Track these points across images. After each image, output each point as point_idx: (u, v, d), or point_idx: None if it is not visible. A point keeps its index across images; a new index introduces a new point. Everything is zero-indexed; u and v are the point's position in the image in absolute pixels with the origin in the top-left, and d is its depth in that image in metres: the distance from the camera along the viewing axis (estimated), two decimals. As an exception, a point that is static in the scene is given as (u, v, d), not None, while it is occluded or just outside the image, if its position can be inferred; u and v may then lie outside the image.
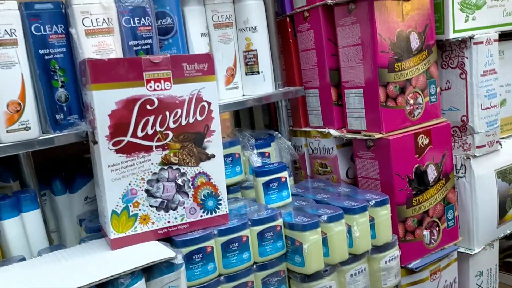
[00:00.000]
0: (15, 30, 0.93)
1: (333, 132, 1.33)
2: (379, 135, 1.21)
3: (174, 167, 0.96)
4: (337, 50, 1.29)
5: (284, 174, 1.17)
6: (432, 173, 1.27)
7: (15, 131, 0.94)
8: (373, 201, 1.15)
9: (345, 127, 1.33)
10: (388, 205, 1.16)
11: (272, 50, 1.35)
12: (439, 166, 1.29)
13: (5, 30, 0.92)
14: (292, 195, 1.22)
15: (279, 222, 1.06)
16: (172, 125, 0.95)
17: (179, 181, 0.97)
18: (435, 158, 1.28)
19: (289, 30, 1.40)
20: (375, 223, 1.15)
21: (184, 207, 0.98)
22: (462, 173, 1.36)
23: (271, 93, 1.33)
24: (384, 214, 1.16)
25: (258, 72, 1.31)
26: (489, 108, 1.35)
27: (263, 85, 1.33)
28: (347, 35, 1.25)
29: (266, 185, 1.16)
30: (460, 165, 1.36)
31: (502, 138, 1.45)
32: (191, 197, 0.99)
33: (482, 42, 1.32)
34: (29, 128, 0.96)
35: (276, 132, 1.37)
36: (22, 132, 0.95)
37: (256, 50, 1.31)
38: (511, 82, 1.50)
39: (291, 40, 1.40)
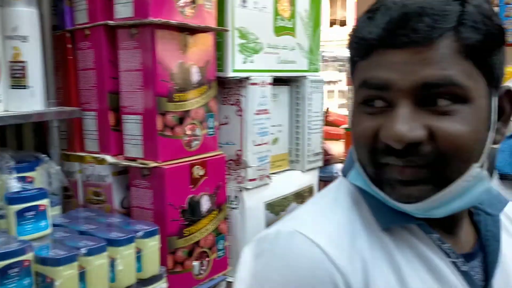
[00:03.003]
0: None
1: (109, 158, 1.25)
2: (155, 164, 1.19)
3: None
4: (118, 73, 1.24)
5: (44, 202, 1.05)
6: (205, 204, 1.30)
7: None
8: (142, 232, 1.10)
9: (122, 154, 1.27)
10: (158, 236, 1.14)
11: (46, 65, 1.23)
12: (213, 197, 1.33)
13: None
14: (56, 225, 1.10)
15: (28, 256, 0.93)
16: None
17: None
18: (210, 189, 1.31)
19: (69, 46, 1.29)
20: (142, 255, 1.10)
21: None
22: (235, 204, 1.43)
23: (41, 111, 1.20)
24: (152, 245, 1.12)
25: (26, 87, 1.17)
26: (261, 144, 1.46)
27: (31, 101, 1.19)
28: (129, 59, 1.21)
29: (20, 214, 1.01)
30: (234, 196, 1.43)
31: (273, 173, 1.59)
32: None
33: (257, 84, 1.44)
34: None
35: (44, 155, 1.23)
36: None
37: (25, 62, 1.17)
38: (283, 123, 1.67)
39: (69, 57, 1.30)
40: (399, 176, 0.54)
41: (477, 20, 0.53)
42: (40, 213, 1.04)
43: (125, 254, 1.05)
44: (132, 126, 1.23)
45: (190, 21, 1.24)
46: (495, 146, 0.60)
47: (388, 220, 0.59)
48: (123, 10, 1.19)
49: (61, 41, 1.30)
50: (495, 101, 0.58)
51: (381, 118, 0.55)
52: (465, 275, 0.59)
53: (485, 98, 0.55)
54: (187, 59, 1.26)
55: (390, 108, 0.54)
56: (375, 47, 0.55)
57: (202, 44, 1.30)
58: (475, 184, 0.56)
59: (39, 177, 1.20)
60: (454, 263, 0.59)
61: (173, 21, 1.19)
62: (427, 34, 0.51)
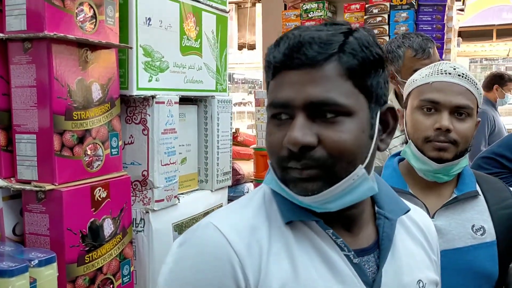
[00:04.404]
0: None
1: (0, 181, 1.15)
2: (51, 187, 1.11)
3: None
4: (10, 89, 1.15)
5: None
6: (108, 228, 1.24)
7: None
8: (36, 260, 1.02)
9: (14, 177, 1.17)
10: (55, 264, 1.05)
11: None
12: (117, 220, 1.27)
13: None
14: None
15: None
16: None
17: None
18: (113, 212, 1.25)
19: (-50, 59, 1.18)
20: (38, 284, 1.01)
21: None
22: (141, 227, 1.38)
23: None
24: (49, 274, 1.04)
25: None
26: (168, 164, 1.43)
27: None
28: (22, 75, 1.13)
29: None
30: (140, 219, 1.38)
31: (182, 194, 1.56)
32: None
33: (163, 102, 1.41)
34: None
35: None
36: None
37: None
38: (191, 142, 1.66)
39: (-49, 72, 1.18)
40: (299, 175, 0.66)
41: (356, 48, 0.66)
42: None
43: (18, 285, 0.96)
44: (26, 146, 1.14)
45: (90, 36, 1.20)
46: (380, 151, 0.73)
47: (290, 215, 0.70)
48: (16, 22, 1.11)
49: None
50: (377, 115, 0.70)
51: (285, 129, 0.67)
52: (356, 267, 0.70)
53: (366, 112, 0.68)
54: (87, 76, 1.20)
55: (291, 120, 0.67)
56: (278, 69, 0.68)
57: (104, 61, 1.26)
58: (361, 182, 0.68)
59: None
60: (347, 256, 0.70)
61: (70, 36, 1.13)
62: (315, 58, 0.64)
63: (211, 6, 1.67)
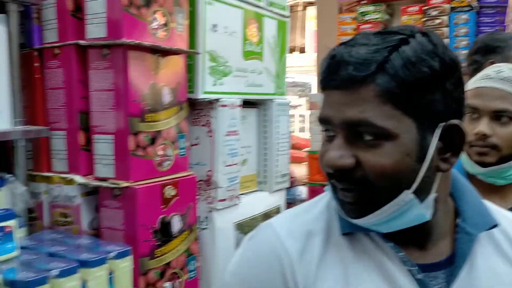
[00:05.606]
0: None
1: (78, 178, 1.23)
2: (127, 184, 1.18)
3: None
4: (88, 93, 1.23)
5: (10, 223, 1.01)
6: (177, 224, 1.30)
7: None
8: (114, 253, 1.08)
9: (91, 174, 1.25)
10: (130, 257, 1.12)
11: (13, 83, 1.20)
12: (184, 218, 1.32)
13: None
14: (22, 248, 1.06)
15: (-4, 279, 0.90)
16: None
17: None
18: (181, 210, 1.31)
19: (36, 64, 1.28)
20: (114, 276, 1.08)
21: None
22: (205, 224, 1.43)
23: (7, 130, 1.17)
24: (124, 266, 1.10)
25: (-8, 105, 1.14)
26: (231, 165, 1.48)
27: (-3, 120, 1.16)
28: (100, 80, 1.21)
29: (-15, 236, 0.97)
30: (204, 217, 1.43)
31: (242, 194, 1.60)
32: None
33: (227, 106, 1.46)
34: None
35: (9, 175, 1.19)
36: None
37: (-8, 80, 1.14)
38: (251, 144, 1.70)
39: (37, 76, 1.28)
40: (343, 197, 0.66)
41: (397, 68, 0.60)
42: (6, 235, 1.01)
43: (98, 276, 1.03)
44: (103, 146, 1.22)
45: (162, 43, 1.26)
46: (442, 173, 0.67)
47: (347, 227, 0.69)
48: (96, 30, 1.20)
49: (28, 60, 1.28)
50: (434, 135, 0.63)
51: (329, 145, 0.65)
52: (419, 282, 0.66)
53: (413, 134, 0.62)
54: (159, 80, 1.27)
55: (334, 137, 0.65)
56: (322, 87, 0.67)
57: (174, 66, 1.32)
58: (409, 208, 0.64)
59: (3, 197, 1.16)
60: (410, 271, 0.66)
61: (146, 43, 1.20)
62: (348, 81, 0.61)
63: (273, 12, 1.71)
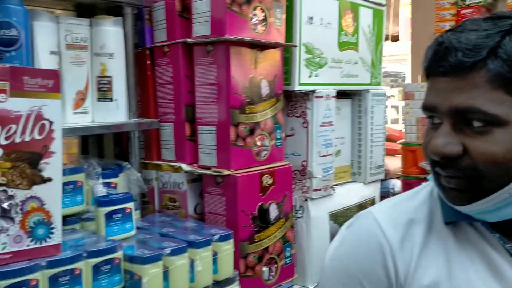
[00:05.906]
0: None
1: (185, 166, 1.33)
2: (228, 172, 1.26)
3: (1, 188, 0.86)
4: (194, 87, 1.33)
5: (129, 205, 1.13)
6: (274, 212, 1.35)
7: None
8: (217, 236, 1.17)
9: (196, 163, 1.35)
10: (232, 240, 1.19)
11: (128, 80, 1.33)
12: (281, 206, 1.37)
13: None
14: (137, 228, 1.18)
15: (119, 254, 1.01)
16: (3, 142, 0.86)
17: (5, 205, 0.87)
18: (277, 198, 1.36)
19: (148, 62, 1.40)
20: (218, 257, 1.16)
21: (7, 235, 0.88)
22: (300, 213, 1.47)
23: (123, 122, 1.30)
24: (227, 249, 1.18)
25: (111, 99, 1.28)
26: (325, 156, 1.50)
27: (115, 113, 1.29)
28: (204, 74, 1.30)
29: (109, 215, 1.10)
30: (299, 206, 1.47)
31: (336, 185, 1.61)
32: (17, 224, 0.89)
33: (322, 97, 1.48)
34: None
35: (126, 163, 1.33)
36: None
37: (111, 77, 1.28)
38: (345, 135, 1.70)
39: (149, 73, 1.40)
40: (447, 184, 0.65)
41: (510, 52, 0.59)
42: (126, 216, 1.13)
43: (204, 256, 1.11)
44: (207, 137, 1.30)
45: (261, 37, 1.31)
46: None
47: (450, 216, 0.69)
48: (201, 28, 1.28)
49: (141, 58, 1.41)
50: None
51: (435, 132, 0.65)
52: None
53: None
54: (257, 74, 1.33)
55: (441, 125, 0.64)
56: (428, 74, 0.67)
57: (271, 59, 1.37)
58: None
59: (121, 183, 1.29)
60: None
61: (246, 38, 1.26)
62: (458, 67, 0.61)
63: (368, 1, 1.69)
